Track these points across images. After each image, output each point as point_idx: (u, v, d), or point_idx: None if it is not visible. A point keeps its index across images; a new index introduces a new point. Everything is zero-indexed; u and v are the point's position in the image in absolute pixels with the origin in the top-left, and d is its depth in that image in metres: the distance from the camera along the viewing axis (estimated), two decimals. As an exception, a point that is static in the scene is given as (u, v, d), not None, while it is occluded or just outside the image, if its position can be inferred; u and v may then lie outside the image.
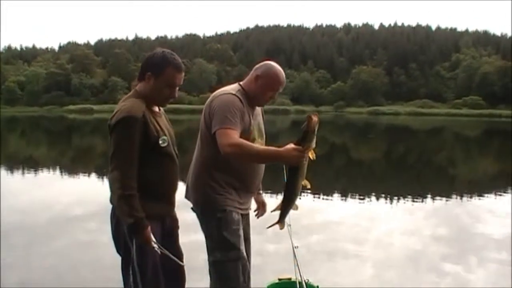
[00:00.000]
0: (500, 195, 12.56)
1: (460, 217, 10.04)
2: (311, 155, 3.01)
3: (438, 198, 12.15)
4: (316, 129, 2.91)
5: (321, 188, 12.39)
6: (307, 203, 10.49)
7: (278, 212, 3.41)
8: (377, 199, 12.01)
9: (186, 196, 3.58)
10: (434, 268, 6.86)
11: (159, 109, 3.34)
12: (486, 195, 12.63)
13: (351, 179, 16.08)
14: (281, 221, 3.43)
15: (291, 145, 2.94)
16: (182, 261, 3.43)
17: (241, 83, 3.49)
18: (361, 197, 12.20)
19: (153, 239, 3.08)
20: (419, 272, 6.71)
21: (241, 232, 3.43)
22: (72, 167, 17.88)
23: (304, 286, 3.55)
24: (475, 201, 12.02)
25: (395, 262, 7.13)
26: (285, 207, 3.31)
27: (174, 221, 3.47)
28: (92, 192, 11.88)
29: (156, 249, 3.08)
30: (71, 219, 9.09)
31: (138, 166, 3.05)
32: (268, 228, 3.53)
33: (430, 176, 16.86)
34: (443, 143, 33.25)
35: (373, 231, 8.71)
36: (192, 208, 3.56)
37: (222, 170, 3.36)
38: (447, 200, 11.99)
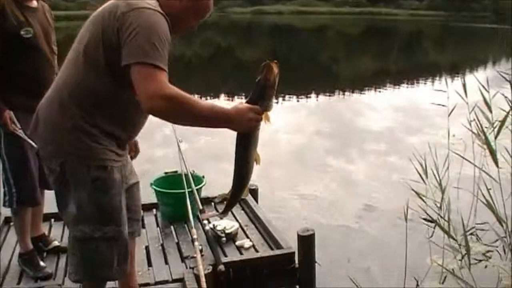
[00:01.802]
0: (380, 90, 13.10)
1: (342, 113, 10.41)
2: (265, 117, 2.15)
3: (321, 95, 12.47)
4: (276, 83, 2.12)
5: (209, 90, 12.29)
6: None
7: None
8: (263, 98, 12.12)
9: (33, 136, 2.35)
10: (318, 163, 7.10)
11: (38, 4, 3.31)
12: (366, 90, 13.11)
13: (237, 80, 16.03)
14: (226, 212, 2.60)
15: (244, 105, 2.08)
16: None
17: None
18: (247, 97, 12.22)
19: (15, 126, 3.14)
20: (305, 167, 6.93)
21: (124, 200, 2.38)
22: None
23: (190, 176, 3.50)
24: (356, 96, 12.47)
25: (282, 159, 7.30)
26: (236, 195, 2.39)
27: None
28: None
29: (17, 134, 3.14)
30: None
31: (2, 57, 3.10)
32: (203, 219, 3.00)
33: (314, 74, 17.23)
34: (326, 41, 33.94)
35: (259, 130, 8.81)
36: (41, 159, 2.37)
37: (105, 111, 2.23)
38: (330, 97, 12.35)
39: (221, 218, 3.59)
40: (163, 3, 2.18)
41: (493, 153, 2.73)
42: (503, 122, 2.92)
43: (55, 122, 2.20)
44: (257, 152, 2.21)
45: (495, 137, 3.02)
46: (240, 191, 2.36)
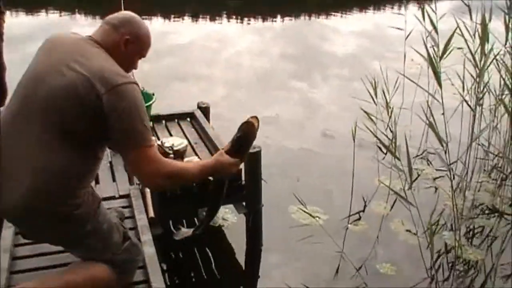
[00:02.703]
0: (346, 15, 12.92)
1: (307, 37, 10.29)
2: None
3: (287, 18, 12.28)
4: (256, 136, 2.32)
5: (171, 10, 11.98)
6: (156, 26, 10.14)
7: None
8: (228, 20, 11.89)
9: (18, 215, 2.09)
10: (282, 85, 7.08)
11: None
12: (332, 14, 12.91)
13: (200, 1, 15.62)
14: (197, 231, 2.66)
15: (226, 158, 2.25)
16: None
17: (102, 45, 2.18)
18: (212, 18, 11.98)
19: None
20: (268, 90, 6.91)
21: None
22: None
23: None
24: (322, 20, 12.31)
25: (246, 81, 7.26)
26: (207, 222, 2.63)
27: None
28: None
29: None
30: None
31: None
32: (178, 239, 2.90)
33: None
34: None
35: (224, 52, 8.71)
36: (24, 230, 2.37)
37: (83, 180, 2.16)
38: (296, 20, 12.18)
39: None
40: (110, 51, 2.16)
41: (436, 73, 2.75)
42: (448, 42, 2.93)
43: (47, 219, 2.07)
44: (257, 118, 2.31)
45: (440, 58, 3.03)
46: (211, 220, 2.65)
